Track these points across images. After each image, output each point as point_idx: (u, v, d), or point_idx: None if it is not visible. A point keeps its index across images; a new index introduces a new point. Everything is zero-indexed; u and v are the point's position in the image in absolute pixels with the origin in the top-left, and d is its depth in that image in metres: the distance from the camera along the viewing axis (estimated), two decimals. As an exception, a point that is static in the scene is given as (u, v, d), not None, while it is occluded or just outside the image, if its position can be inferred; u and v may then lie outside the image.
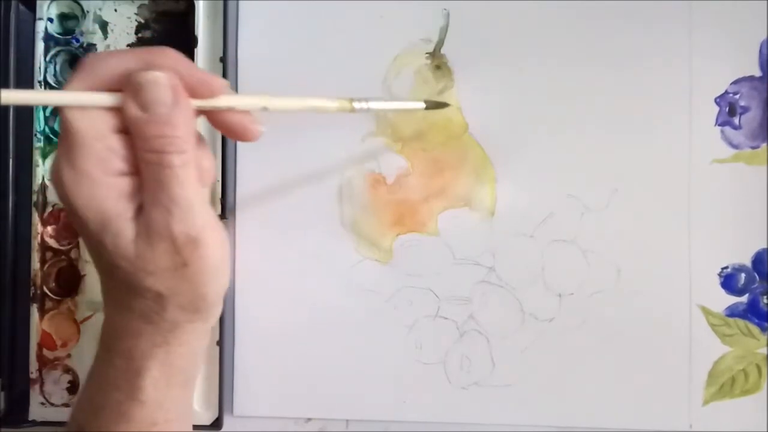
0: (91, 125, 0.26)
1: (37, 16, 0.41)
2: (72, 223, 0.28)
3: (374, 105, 0.33)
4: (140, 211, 0.27)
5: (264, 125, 0.30)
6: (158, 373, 0.29)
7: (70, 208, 0.27)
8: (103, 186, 0.27)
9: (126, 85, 0.27)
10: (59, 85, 0.41)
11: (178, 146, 0.27)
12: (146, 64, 0.27)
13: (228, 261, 0.30)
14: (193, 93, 0.28)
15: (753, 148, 0.40)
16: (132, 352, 0.29)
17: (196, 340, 0.31)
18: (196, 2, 0.40)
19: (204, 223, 0.28)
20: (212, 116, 0.29)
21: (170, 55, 0.28)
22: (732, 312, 0.40)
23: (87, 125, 0.26)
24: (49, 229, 0.41)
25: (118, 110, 0.27)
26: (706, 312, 0.40)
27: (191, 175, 0.27)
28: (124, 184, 0.27)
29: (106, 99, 0.27)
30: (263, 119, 0.30)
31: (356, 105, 0.32)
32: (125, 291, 0.28)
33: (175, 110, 0.27)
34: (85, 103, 0.26)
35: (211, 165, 0.30)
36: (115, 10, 0.41)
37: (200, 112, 0.29)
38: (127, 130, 0.27)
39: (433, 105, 0.38)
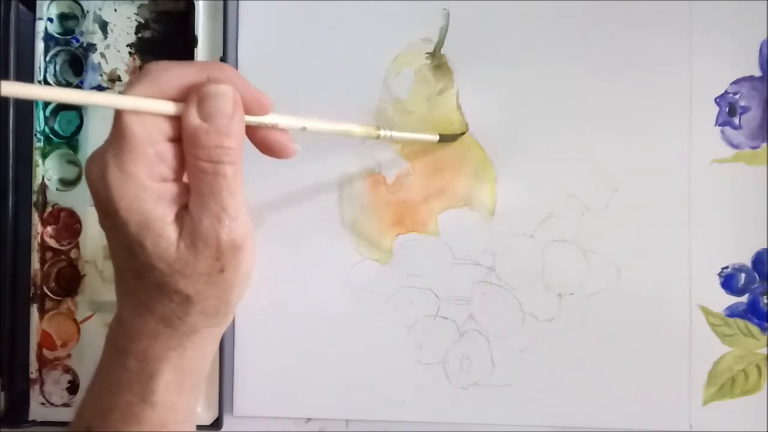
0: (146, 131, 0.27)
1: (37, 16, 0.41)
2: (105, 222, 0.29)
3: (396, 134, 0.37)
4: (179, 215, 0.28)
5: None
6: (171, 376, 0.30)
7: (109, 209, 0.27)
8: (148, 190, 0.27)
9: (190, 95, 0.28)
10: (59, 86, 0.41)
11: (232, 157, 0.28)
12: (207, 77, 0.28)
13: (254, 268, 0.31)
14: (245, 109, 0.29)
15: (753, 148, 0.40)
16: (146, 354, 0.29)
17: (209, 345, 0.31)
18: (196, 2, 0.40)
19: (245, 231, 0.29)
20: (253, 132, 0.31)
21: (229, 71, 0.29)
22: (732, 312, 0.40)
23: (142, 130, 0.27)
24: (49, 229, 0.41)
25: (172, 119, 0.28)
26: (706, 312, 0.40)
27: (240, 185, 0.28)
28: (166, 189, 0.28)
29: (168, 107, 0.27)
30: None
31: (381, 133, 0.36)
32: (152, 293, 0.29)
33: (232, 122, 0.28)
34: (147, 109, 0.27)
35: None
36: (115, 10, 0.41)
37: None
38: (175, 138, 0.28)
39: (448, 138, 0.40)
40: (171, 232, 0.28)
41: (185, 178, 0.29)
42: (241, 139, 0.28)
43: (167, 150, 0.28)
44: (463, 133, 0.40)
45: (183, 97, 0.28)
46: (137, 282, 0.29)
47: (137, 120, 0.27)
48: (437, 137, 0.39)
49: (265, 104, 0.30)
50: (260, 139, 0.31)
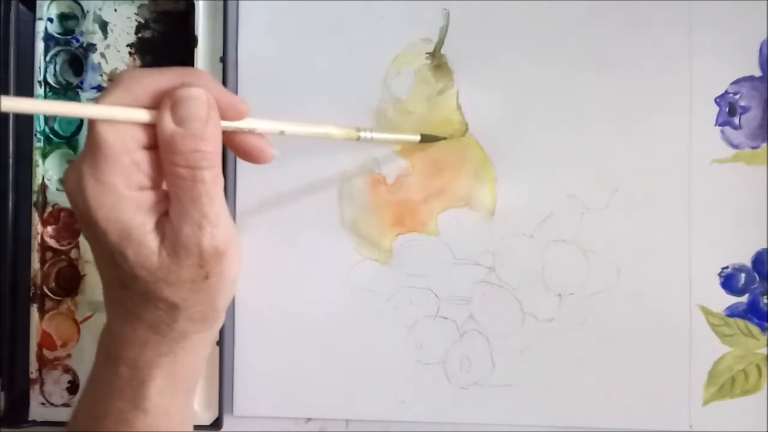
0: (121, 140, 0.27)
1: (37, 16, 0.41)
2: (86, 233, 0.29)
3: (376, 135, 0.37)
4: (160, 223, 0.28)
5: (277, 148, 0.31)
6: (163, 382, 0.30)
7: (89, 219, 0.27)
8: (126, 199, 0.27)
9: (163, 101, 0.27)
10: (59, 86, 0.41)
11: (210, 161, 0.27)
12: (181, 83, 0.27)
13: (240, 272, 0.30)
14: (222, 114, 0.28)
15: (753, 148, 0.40)
16: (137, 361, 0.29)
17: (201, 349, 0.31)
18: (196, 2, 0.40)
19: (228, 236, 0.28)
20: (230, 138, 0.30)
21: (203, 77, 0.28)
22: (732, 312, 0.40)
23: (116, 139, 0.27)
24: (49, 229, 0.41)
25: (147, 126, 0.27)
26: (706, 312, 0.40)
27: (220, 190, 0.28)
28: (144, 197, 0.28)
29: (142, 115, 0.27)
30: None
31: (361, 134, 0.35)
32: (138, 301, 0.28)
33: (208, 126, 0.27)
34: (121, 117, 0.27)
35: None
36: (115, 10, 0.41)
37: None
38: (151, 146, 0.28)
39: (429, 139, 0.40)
40: (152, 240, 0.27)
41: (165, 186, 0.29)
42: (218, 143, 0.28)
43: (143, 158, 0.28)
44: (445, 138, 0.40)
45: (158, 104, 0.27)
46: (123, 291, 0.29)
47: (111, 129, 0.27)
48: (418, 137, 0.39)
49: (241, 109, 0.29)
50: (237, 145, 0.30)
